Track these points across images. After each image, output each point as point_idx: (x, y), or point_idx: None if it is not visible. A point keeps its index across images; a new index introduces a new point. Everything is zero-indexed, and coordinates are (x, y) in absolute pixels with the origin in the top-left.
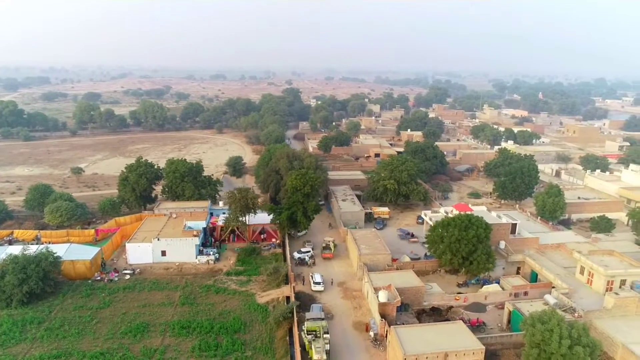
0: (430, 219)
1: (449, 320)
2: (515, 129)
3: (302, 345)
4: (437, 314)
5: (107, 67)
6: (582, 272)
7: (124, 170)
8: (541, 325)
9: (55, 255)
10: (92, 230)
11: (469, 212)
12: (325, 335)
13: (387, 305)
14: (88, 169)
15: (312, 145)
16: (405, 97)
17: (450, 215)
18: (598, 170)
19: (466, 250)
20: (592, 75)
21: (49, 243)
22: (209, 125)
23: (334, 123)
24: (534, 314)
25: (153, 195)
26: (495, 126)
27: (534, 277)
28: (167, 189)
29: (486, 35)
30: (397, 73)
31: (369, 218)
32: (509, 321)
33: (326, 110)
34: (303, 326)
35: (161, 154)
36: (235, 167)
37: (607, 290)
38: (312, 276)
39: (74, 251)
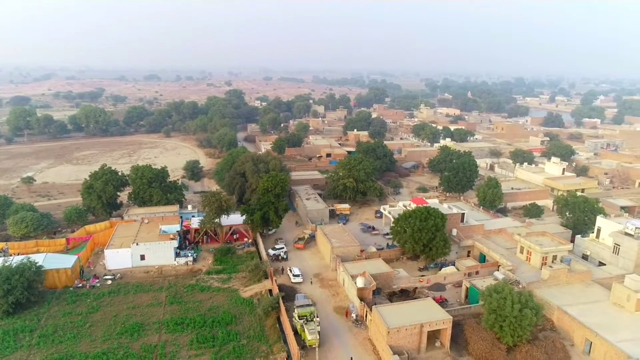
0: (390, 213)
1: (416, 299)
2: (451, 127)
3: (294, 330)
4: (405, 295)
5: (27, 67)
6: (521, 251)
7: (88, 178)
8: (496, 295)
9: (37, 265)
10: (63, 240)
11: (426, 205)
12: (316, 319)
13: (364, 289)
14: (37, 178)
15: (265, 147)
16: (346, 97)
17: (409, 208)
18: (525, 163)
19: (426, 238)
20: (511, 74)
21: (18, 254)
22: (155, 129)
23: (282, 125)
24: (490, 287)
25: (118, 202)
26: (433, 125)
27: (482, 258)
28: (134, 195)
29: (418, 32)
30: (334, 72)
31: (331, 214)
32: (466, 296)
33: (273, 112)
34: (294, 313)
35: (111, 160)
36: (194, 171)
37: (542, 265)
38: (290, 270)
39: (52, 260)
